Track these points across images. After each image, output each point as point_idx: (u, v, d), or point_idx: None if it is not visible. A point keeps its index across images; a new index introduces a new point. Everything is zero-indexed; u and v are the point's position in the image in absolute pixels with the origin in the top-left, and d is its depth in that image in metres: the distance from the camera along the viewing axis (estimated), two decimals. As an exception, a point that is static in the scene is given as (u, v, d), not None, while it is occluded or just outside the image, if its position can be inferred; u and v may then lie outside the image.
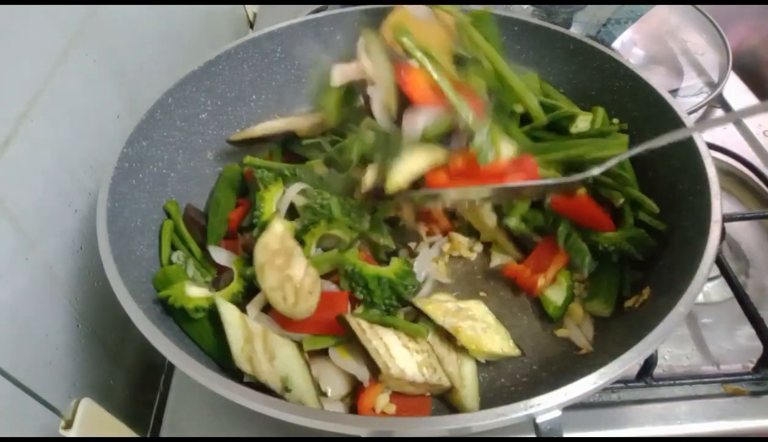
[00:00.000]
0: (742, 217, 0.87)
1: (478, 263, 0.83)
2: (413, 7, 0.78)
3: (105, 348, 0.79)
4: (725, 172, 1.00)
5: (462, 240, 0.84)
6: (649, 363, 0.70)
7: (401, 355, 0.64)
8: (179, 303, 0.66)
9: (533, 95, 0.82)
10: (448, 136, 0.73)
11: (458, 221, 0.85)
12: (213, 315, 0.68)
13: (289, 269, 0.67)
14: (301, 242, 0.73)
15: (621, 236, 0.76)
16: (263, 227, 0.72)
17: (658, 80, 0.80)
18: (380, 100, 0.73)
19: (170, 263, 0.76)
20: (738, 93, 1.16)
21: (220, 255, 0.77)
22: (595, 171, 0.68)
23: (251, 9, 1.53)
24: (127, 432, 0.72)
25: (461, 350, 0.69)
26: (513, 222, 0.78)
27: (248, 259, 0.73)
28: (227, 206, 0.83)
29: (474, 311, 0.72)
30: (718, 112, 1.13)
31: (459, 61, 0.78)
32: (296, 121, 0.92)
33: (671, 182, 0.74)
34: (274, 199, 0.77)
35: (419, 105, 0.70)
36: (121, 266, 0.62)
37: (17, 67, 0.64)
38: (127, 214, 0.72)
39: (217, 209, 0.82)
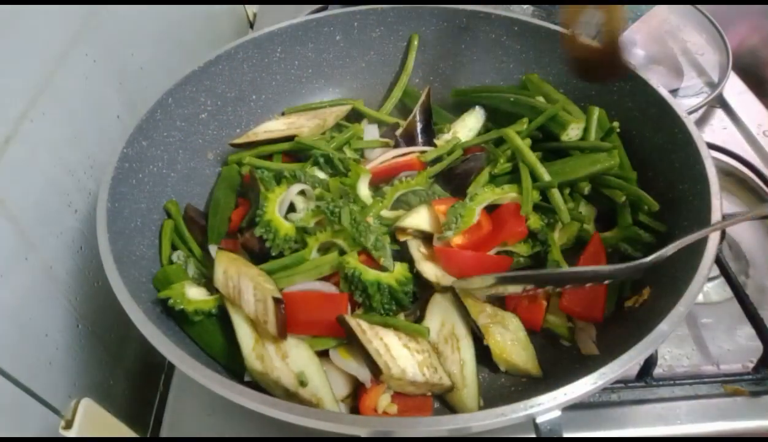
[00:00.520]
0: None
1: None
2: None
3: (105, 348, 0.79)
4: (725, 172, 1.00)
5: None
6: (649, 363, 0.70)
7: (402, 355, 0.64)
8: (179, 306, 0.66)
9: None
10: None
11: None
12: (214, 316, 0.69)
13: (241, 300, 0.67)
14: (304, 243, 0.73)
15: (617, 235, 0.76)
16: (266, 225, 0.72)
17: (658, 80, 0.80)
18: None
19: (170, 262, 0.76)
20: (738, 93, 1.16)
21: (221, 254, 0.77)
22: (649, 260, 0.63)
23: (251, 9, 1.53)
24: (127, 432, 0.72)
25: (465, 349, 0.69)
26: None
27: (248, 258, 0.74)
28: (227, 206, 0.83)
29: (508, 322, 0.71)
30: (718, 112, 1.13)
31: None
32: (297, 122, 0.92)
33: (671, 182, 0.74)
34: (278, 199, 0.77)
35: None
36: (121, 266, 0.62)
37: (17, 67, 0.64)
38: (127, 214, 0.72)
39: (217, 209, 0.82)
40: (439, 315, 0.71)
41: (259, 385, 0.65)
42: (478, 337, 0.70)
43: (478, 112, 0.95)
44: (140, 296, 0.63)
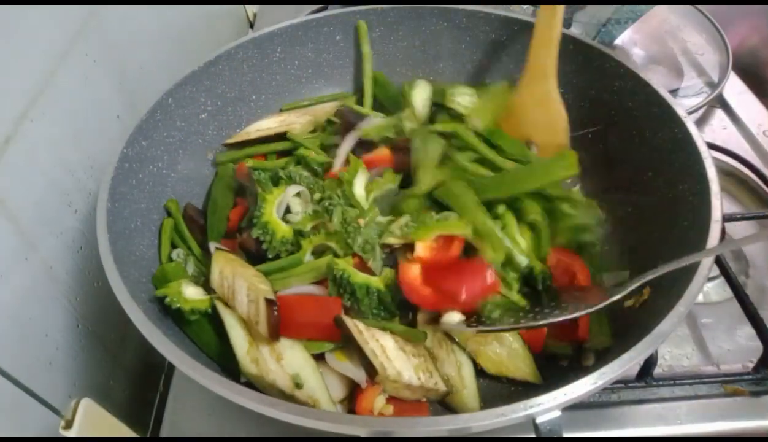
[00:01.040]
0: (742, 218, 0.87)
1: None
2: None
3: (105, 348, 0.79)
4: (725, 172, 1.00)
5: None
6: (649, 363, 0.70)
7: (397, 357, 0.64)
8: (175, 305, 0.66)
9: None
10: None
11: None
12: (211, 316, 0.69)
13: (234, 300, 0.66)
14: (299, 246, 0.73)
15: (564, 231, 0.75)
16: (263, 226, 0.72)
17: (658, 80, 0.80)
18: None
19: (170, 260, 0.76)
20: (738, 93, 1.16)
21: (220, 252, 0.77)
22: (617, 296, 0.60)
23: (251, 9, 1.53)
24: (127, 432, 0.72)
25: (460, 352, 0.69)
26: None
27: (246, 258, 0.74)
28: (225, 205, 0.82)
29: (502, 336, 0.69)
30: (718, 112, 1.13)
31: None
32: (288, 119, 0.93)
33: (671, 182, 0.74)
34: (276, 201, 0.77)
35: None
36: (121, 266, 0.62)
37: (17, 67, 0.64)
38: (127, 214, 0.72)
39: (215, 208, 0.82)
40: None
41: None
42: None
43: (422, 85, 0.93)
44: (140, 296, 0.63)
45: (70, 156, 0.74)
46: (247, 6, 1.51)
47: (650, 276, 0.60)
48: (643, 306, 0.68)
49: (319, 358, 0.67)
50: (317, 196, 0.77)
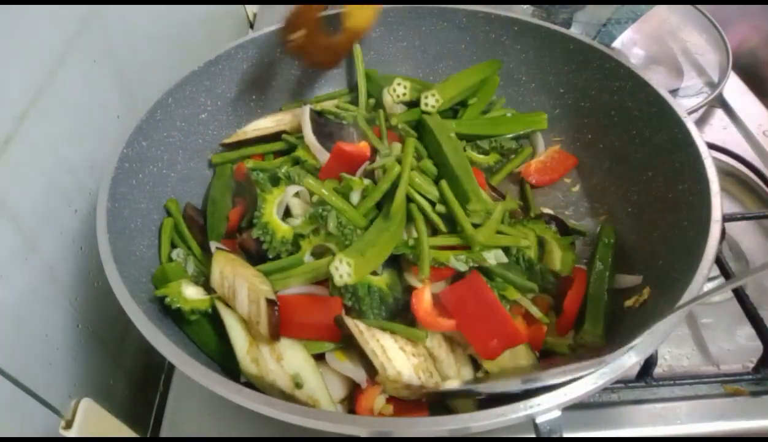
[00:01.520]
0: (742, 217, 0.87)
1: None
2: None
3: (105, 348, 0.79)
4: (725, 172, 1.00)
5: None
6: (649, 363, 0.70)
7: (398, 357, 0.63)
8: (175, 305, 0.66)
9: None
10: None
11: None
12: (211, 316, 0.69)
13: (235, 300, 0.66)
14: (299, 246, 0.72)
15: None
16: (263, 227, 0.72)
17: (658, 80, 0.80)
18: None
19: (170, 260, 0.76)
20: (738, 93, 1.16)
21: (220, 251, 0.77)
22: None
23: (251, 9, 1.53)
24: (127, 432, 0.72)
25: (460, 352, 0.69)
26: None
27: (246, 258, 0.73)
28: (224, 205, 0.82)
29: None
30: (718, 112, 1.13)
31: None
32: (285, 119, 0.93)
33: (671, 182, 0.74)
34: (275, 201, 0.77)
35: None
36: (121, 266, 0.62)
37: (17, 67, 0.64)
38: (127, 214, 0.72)
39: (214, 208, 0.82)
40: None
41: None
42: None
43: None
44: (140, 297, 0.63)
45: (70, 156, 0.74)
46: (247, 6, 1.52)
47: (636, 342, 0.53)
48: (643, 306, 0.68)
49: (319, 358, 0.67)
50: (315, 197, 0.77)
